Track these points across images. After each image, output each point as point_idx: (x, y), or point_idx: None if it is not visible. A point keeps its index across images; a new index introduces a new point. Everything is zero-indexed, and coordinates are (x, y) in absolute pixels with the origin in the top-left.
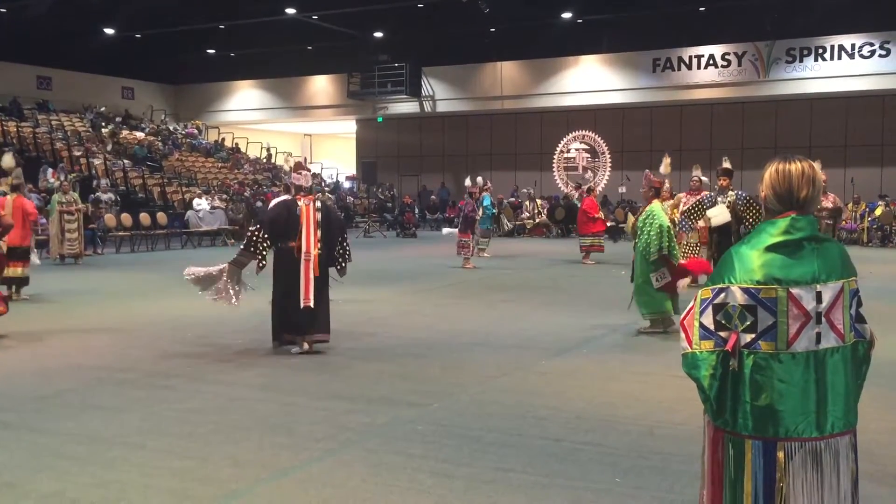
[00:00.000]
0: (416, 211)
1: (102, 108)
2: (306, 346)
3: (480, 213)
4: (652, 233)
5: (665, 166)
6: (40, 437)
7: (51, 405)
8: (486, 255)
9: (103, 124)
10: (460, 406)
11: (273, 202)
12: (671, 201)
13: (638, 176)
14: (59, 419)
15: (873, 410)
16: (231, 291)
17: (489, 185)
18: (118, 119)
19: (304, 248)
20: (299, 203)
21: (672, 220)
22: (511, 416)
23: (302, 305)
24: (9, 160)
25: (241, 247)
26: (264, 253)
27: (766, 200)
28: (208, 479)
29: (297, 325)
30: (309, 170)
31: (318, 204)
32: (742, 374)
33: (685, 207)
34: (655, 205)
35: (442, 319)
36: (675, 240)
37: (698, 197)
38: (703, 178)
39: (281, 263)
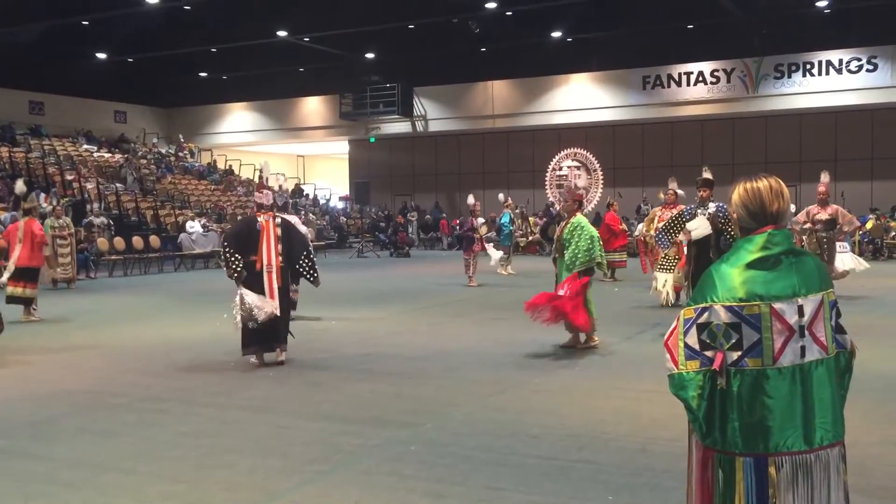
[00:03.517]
0: (410, 230)
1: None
2: (282, 357)
3: (484, 230)
4: (581, 243)
5: (583, 180)
6: (32, 463)
7: (43, 430)
8: (504, 272)
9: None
10: (453, 425)
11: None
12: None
13: (630, 192)
14: (51, 444)
15: (865, 423)
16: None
17: (510, 200)
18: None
19: (265, 261)
20: (259, 219)
21: (647, 235)
22: (504, 434)
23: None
24: (20, 186)
25: (224, 268)
26: (238, 265)
27: (740, 220)
28: None
29: (264, 336)
30: (270, 189)
31: (279, 220)
32: (730, 392)
33: (661, 223)
34: (580, 217)
35: (435, 339)
36: (604, 250)
37: (676, 210)
38: (679, 192)
39: (247, 278)
